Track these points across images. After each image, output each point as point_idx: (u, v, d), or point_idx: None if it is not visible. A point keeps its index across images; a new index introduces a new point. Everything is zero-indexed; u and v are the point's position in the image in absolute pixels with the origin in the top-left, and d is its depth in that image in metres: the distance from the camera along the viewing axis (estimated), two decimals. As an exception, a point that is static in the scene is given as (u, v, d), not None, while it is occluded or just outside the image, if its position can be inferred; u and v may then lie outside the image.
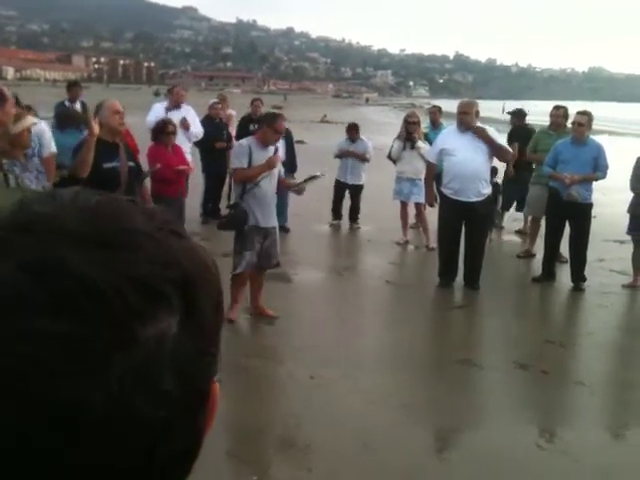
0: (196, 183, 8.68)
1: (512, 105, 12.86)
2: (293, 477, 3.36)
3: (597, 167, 6.85)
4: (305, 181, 5.92)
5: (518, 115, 9.42)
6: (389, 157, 8.81)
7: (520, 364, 4.84)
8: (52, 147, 5.54)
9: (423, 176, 7.63)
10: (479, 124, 6.68)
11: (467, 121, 6.57)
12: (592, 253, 7.04)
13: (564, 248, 7.16)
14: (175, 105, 8.30)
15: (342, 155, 9.36)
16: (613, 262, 7.66)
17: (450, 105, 11.06)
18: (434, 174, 7.08)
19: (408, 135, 8.42)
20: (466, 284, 6.69)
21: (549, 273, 7.04)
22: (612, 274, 7.33)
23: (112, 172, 4.77)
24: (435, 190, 7.28)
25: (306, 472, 3.36)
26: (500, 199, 8.82)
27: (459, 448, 3.80)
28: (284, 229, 8.23)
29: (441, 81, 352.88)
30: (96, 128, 4.62)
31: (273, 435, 3.80)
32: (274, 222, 5.54)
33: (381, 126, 26.10)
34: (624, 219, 7.12)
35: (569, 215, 6.87)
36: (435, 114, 9.86)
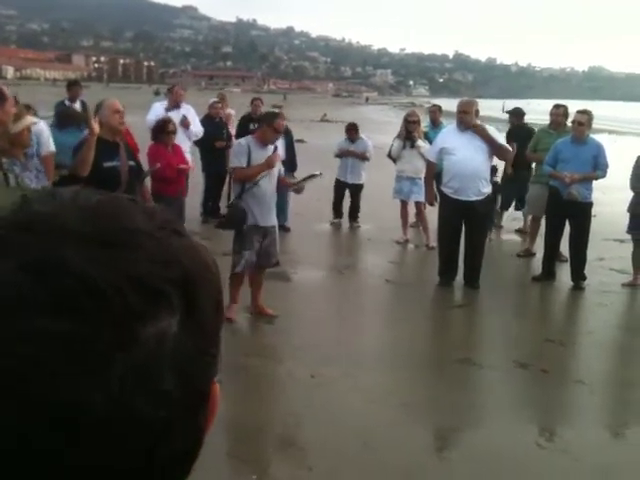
0: (196, 182, 8.68)
1: (513, 104, 12.83)
2: (293, 476, 3.36)
3: (597, 166, 6.86)
4: (304, 180, 5.94)
5: (516, 114, 9.42)
6: (389, 156, 8.81)
7: (520, 363, 4.84)
8: (50, 146, 5.54)
9: (423, 175, 7.63)
10: (479, 122, 6.68)
11: (467, 120, 6.57)
12: (592, 252, 7.05)
13: (564, 247, 7.16)
14: (175, 105, 8.30)
15: (342, 155, 9.37)
16: (613, 261, 7.66)
17: (450, 104, 11.07)
18: (434, 173, 7.08)
19: (408, 134, 8.42)
20: (466, 283, 6.69)
21: (549, 272, 7.04)
22: (612, 273, 7.33)
23: (112, 171, 4.77)
24: (435, 189, 7.28)
25: (306, 471, 3.36)
26: (499, 198, 8.82)
27: (459, 447, 3.80)
28: (284, 228, 8.23)
29: (441, 80, 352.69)
30: (96, 127, 4.62)
31: (273, 434, 3.80)
32: (273, 221, 5.54)
33: (381, 125, 26.09)
34: (624, 218, 7.12)
35: (569, 214, 6.87)
36: (435, 113, 9.86)
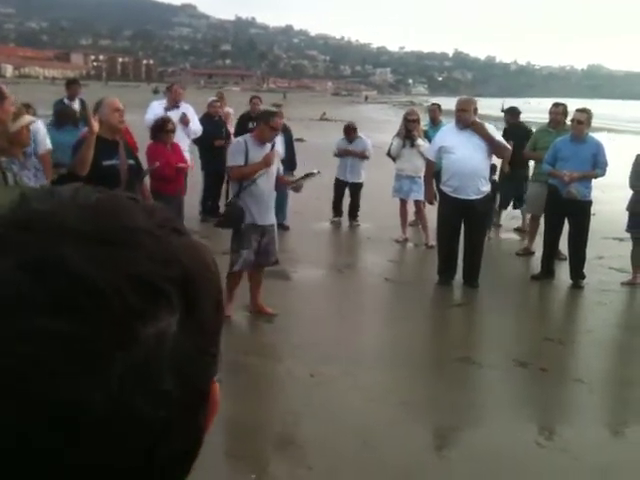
0: (195, 181, 8.67)
1: (512, 103, 12.85)
2: (292, 475, 3.36)
3: (596, 164, 6.86)
4: (302, 178, 5.94)
5: (512, 113, 9.42)
6: (388, 155, 8.81)
7: (519, 362, 4.85)
8: (47, 144, 5.54)
9: (422, 174, 7.63)
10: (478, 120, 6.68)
11: (465, 118, 6.57)
12: (591, 251, 7.05)
13: (563, 246, 7.16)
14: (174, 105, 8.30)
15: (341, 154, 9.37)
16: (612, 260, 7.66)
17: (449, 103, 11.07)
18: (433, 172, 7.08)
19: (407, 133, 8.42)
20: (465, 282, 6.69)
21: (548, 271, 7.04)
22: (611, 272, 7.33)
23: (112, 170, 4.76)
24: (435, 188, 7.28)
25: (306, 470, 3.36)
26: (498, 197, 8.83)
27: (458, 446, 3.81)
28: (284, 227, 8.24)
29: (440, 79, 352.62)
30: (96, 126, 4.61)
31: (272, 433, 3.80)
32: (272, 220, 5.53)
33: (380, 124, 26.09)
34: (623, 217, 7.12)
35: (568, 213, 6.87)
36: (435, 112, 9.86)
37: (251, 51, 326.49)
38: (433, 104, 10.43)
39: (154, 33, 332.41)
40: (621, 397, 4.67)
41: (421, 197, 8.01)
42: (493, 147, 6.62)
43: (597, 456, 3.67)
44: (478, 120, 6.66)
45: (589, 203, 6.89)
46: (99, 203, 0.44)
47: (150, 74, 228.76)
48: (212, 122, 9.04)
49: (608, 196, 10.00)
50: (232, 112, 10.44)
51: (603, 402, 4.54)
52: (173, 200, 6.31)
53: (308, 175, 5.90)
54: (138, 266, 0.42)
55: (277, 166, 5.56)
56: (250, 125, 8.40)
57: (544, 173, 7.23)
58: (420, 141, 8.32)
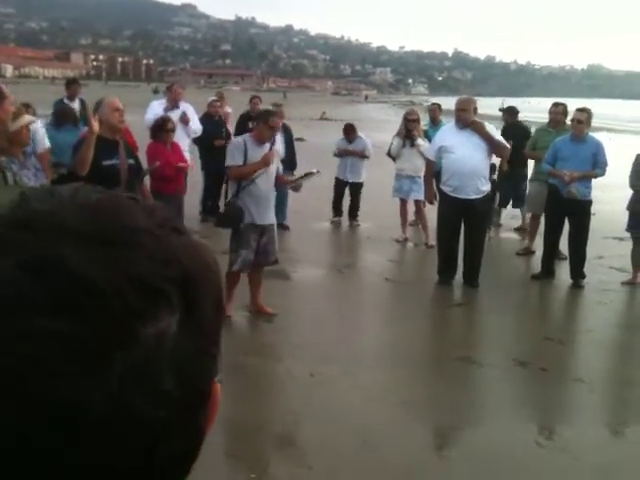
0: (195, 181, 8.67)
1: (512, 102, 12.86)
2: (292, 475, 3.36)
3: (596, 164, 6.86)
4: (301, 178, 5.94)
5: (510, 112, 9.42)
6: (389, 154, 8.81)
7: (519, 361, 4.85)
8: (45, 143, 5.55)
9: (423, 173, 7.63)
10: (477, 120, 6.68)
11: (465, 118, 6.57)
12: (591, 250, 7.05)
13: (563, 245, 7.16)
14: (174, 105, 8.30)
15: (341, 154, 9.37)
16: (612, 259, 7.66)
17: (449, 102, 11.07)
18: (433, 171, 7.08)
19: (407, 133, 8.41)
20: (465, 282, 6.69)
21: (548, 270, 7.04)
22: (611, 271, 7.33)
23: (112, 170, 4.76)
24: (435, 187, 7.28)
25: (306, 470, 3.36)
26: (497, 197, 8.83)
27: (458, 445, 3.81)
28: (284, 227, 8.24)
29: (440, 78, 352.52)
30: (96, 126, 4.61)
31: (272, 433, 3.80)
32: (271, 219, 5.53)
33: (380, 123, 26.09)
34: (623, 216, 7.12)
35: (568, 212, 6.87)
36: (435, 111, 9.86)
37: (251, 51, 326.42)
38: (433, 104, 10.43)
39: (154, 33, 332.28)
40: (621, 397, 4.67)
41: (421, 197, 8.01)
42: (493, 146, 6.62)
43: (597, 456, 3.67)
44: (478, 120, 6.66)
45: (589, 203, 6.89)
46: (99, 203, 0.44)
47: (150, 74, 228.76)
48: (212, 122, 9.04)
49: (608, 196, 10.00)
50: (231, 112, 10.44)
51: (603, 402, 4.54)
52: (173, 200, 6.31)
53: (307, 175, 5.90)
54: (138, 266, 0.41)
55: (276, 166, 5.56)
56: (250, 125, 8.40)
57: (544, 172, 7.23)
58: (420, 141, 8.32)
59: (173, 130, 6.75)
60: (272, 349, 5.07)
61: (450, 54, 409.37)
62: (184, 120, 8.06)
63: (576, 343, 5.58)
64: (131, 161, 4.99)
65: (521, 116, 9.62)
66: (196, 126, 8.37)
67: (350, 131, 9.42)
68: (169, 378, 0.41)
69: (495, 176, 8.36)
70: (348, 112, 38.68)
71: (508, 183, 8.67)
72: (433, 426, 4.01)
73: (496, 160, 7.39)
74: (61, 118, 7.33)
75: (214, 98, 9.73)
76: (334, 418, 3.88)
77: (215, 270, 0.48)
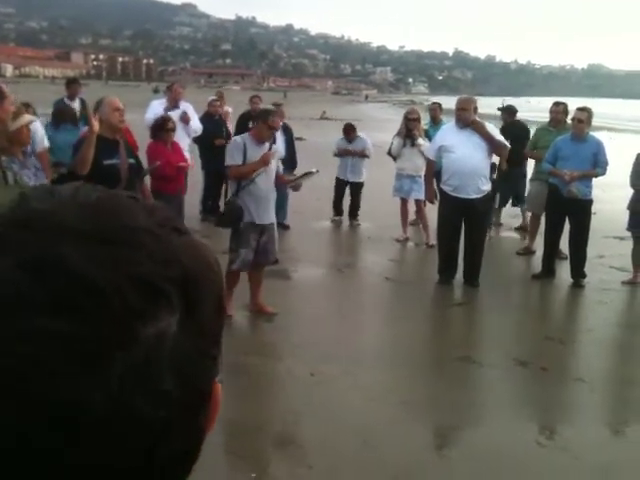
0: (195, 180, 8.67)
1: (512, 102, 12.85)
2: (292, 474, 3.36)
3: (597, 163, 6.85)
4: (301, 177, 5.94)
5: (509, 111, 9.42)
6: (389, 154, 8.81)
7: (520, 361, 4.84)
8: (44, 143, 5.56)
9: (423, 173, 7.62)
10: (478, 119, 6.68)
11: (465, 117, 6.57)
12: (592, 250, 7.05)
13: (564, 245, 7.16)
14: (174, 105, 8.30)
15: (341, 154, 9.37)
16: (613, 259, 7.66)
17: (449, 102, 11.07)
18: (434, 171, 7.08)
19: (408, 132, 8.41)
20: (466, 281, 6.69)
21: (549, 270, 7.04)
22: (612, 271, 7.33)
23: (112, 169, 4.76)
24: (435, 187, 7.28)
25: (306, 469, 3.36)
26: (497, 196, 8.83)
27: (459, 445, 3.80)
28: (284, 226, 8.24)
29: (440, 78, 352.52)
30: (96, 125, 4.61)
31: (272, 432, 3.80)
32: (271, 218, 5.52)
33: (381, 123, 26.08)
34: (624, 215, 7.12)
35: (569, 212, 6.87)
36: (435, 111, 9.85)
37: (251, 50, 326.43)
38: (434, 103, 10.42)
39: (154, 32, 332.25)
40: (622, 396, 4.66)
41: (422, 196, 8.00)
42: (493, 146, 6.61)
43: (598, 455, 3.67)
44: (478, 119, 6.66)
45: (590, 202, 6.89)
46: (99, 202, 0.44)
47: (150, 73, 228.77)
48: (212, 121, 9.04)
49: (609, 195, 10.00)
50: (231, 111, 10.43)
51: (604, 401, 4.54)
52: (173, 199, 6.31)
53: (307, 174, 5.90)
54: (138, 266, 0.41)
55: (276, 165, 5.56)
56: (250, 124, 8.40)
57: (544, 172, 7.23)
58: (421, 140, 8.31)
59: (173, 130, 6.75)
60: (272, 348, 5.07)
61: (450, 53, 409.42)
62: (184, 119, 8.07)
63: (577, 342, 5.57)
64: (131, 161, 4.98)
65: (522, 116, 9.62)
66: (196, 125, 8.37)
67: (350, 131, 9.42)
68: (169, 378, 0.41)
69: (495, 175, 8.37)
70: (348, 111, 38.69)
71: (507, 182, 8.67)
72: (433, 426, 4.00)
73: (496, 159, 7.38)
74: (60, 118, 7.33)
75: (214, 97, 9.73)
76: (334, 418, 3.88)
77: (216, 270, 0.48)
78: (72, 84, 9.57)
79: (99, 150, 4.65)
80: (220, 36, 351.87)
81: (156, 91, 47.70)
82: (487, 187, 6.69)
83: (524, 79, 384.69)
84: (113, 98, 5.05)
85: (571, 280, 6.88)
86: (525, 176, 8.84)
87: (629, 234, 7.14)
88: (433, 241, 7.69)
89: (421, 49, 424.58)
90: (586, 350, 5.40)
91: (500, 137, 6.74)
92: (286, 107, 9.62)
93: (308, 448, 3.55)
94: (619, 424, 4.12)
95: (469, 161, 6.48)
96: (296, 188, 5.97)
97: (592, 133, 7.20)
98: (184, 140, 7.84)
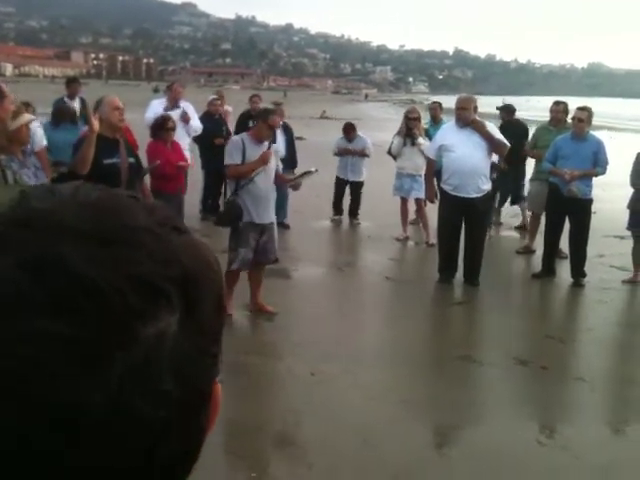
0: (195, 180, 8.67)
1: (513, 101, 12.83)
2: (293, 473, 3.36)
3: (597, 163, 6.85)
4: (300, 176, 5.95)
5: (507, 110, 9.41)
6: (389, 153, 8.81)
7: (520, 360, 4.84)
8: (42, 142, 5.58)
9: (423, 172, 7.62)
10: (478, 118, 6.68)
11: (465, 116, 6.57)
12: (592, 249, 7.05)
13: (564, 244, 7.16)
14: (174, 104, 8.30)
15: (341, 153, 9.37)
16: (613, 258, 7.66)
17: (450, 101, 11.06)
18: (434, 170, 7.08)
19: (408, 131, 8.41)
20: (466, 280, 6.69)
21: (549, 269, 7.04)
22: (612, 270, 7.33)
23: (112, 168, 4.76)
24: (435, 186, 7.28)
25: (306, 468, 3.36)
26: (497, 195, 8.83)
27: (459, 444, 3.80)
28: (284, 225, 8.24)
29: (440, 77, 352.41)
30: (96, 124, 4.61)
31: (272, 432, 3.80)
32: (271, 218, 5.51)
33: (381, 122, 26.09)
34: (624, 215, 7.12)
35: (569, 211, 6.87)
36: (436, 110, 9.84)
37: (251, 49, 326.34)
38: (434, 102, 10.41)
39: (154, 32, 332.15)
40: (622, 395, 4.66)
41: (422, 195, 8.00)
42: (493, 145, 6.61)
43: (598, 454, 3.67)
44: (478, 118, 6.66)
45: (590, 201, 6.89)
46: (99, 201, 0.44)
47: (150, 73, 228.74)
48: (212, 120, 9.04)
49: (609, 194, 9.99)
50: (231, 110, 10.43)
51: (604, 400, 4.54)
52: (173, 198, 6.31)
53: (306, 173, 5.90)
54: (138, 265, 0.41)
55: (276, 164, 5.55)
56: (250, 123, 8.40)
57: (545, 171, 7.23)
58: (421, 139, 8.31)
59: (173, 129, 6.75)
60: (272, 348, 5.06)
61: (451, 52, 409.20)
62: (184, 118, 8.07)
63: (577, 342, 5.57)
64: (131, 160, 4.98)
65: (522, 115, 9.61)
66: (196, 125, 8.37)
67: (350, 130, 9.42)
68: (169, 378, 0.41)
69: (495, 175, 8.37)
70: (348, 111, 38.69)
71: (506, 181, 8.67)
72: (433, 425, 4.00)
73: (496, 158, 7.38)
74: (59, 117, 7.34)
75: (214, 97, 9.73)
76: (334, 417, 3.88)
77: (216, 269, 0.47)
78: (72, 83, 9.56)
79: (99, 149, 4.65)
80: (220, 35, 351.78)
81: (156, 90, 47.66)
82: (487, 186, 6.69)
83: (524, 78, 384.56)
84: (113, 97, 5.05)
85: (571, 279, 6.88)
86: (524, 175, 8.85)
87: (629, 233, 7.14)
88: (433, 240, 7.69)
89: (421, 48, 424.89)
90: (586, 349, 5.40)
91: (500, 136, 6.74)
92: (286, 106, 9.62)
93: (308, 447, 3.55)
94: (619, 423, 4.12)
95: (469, 160, 6.47)
96: (295, 187, 5.97)
97: (592, 132, 7.20)
98: (184, 139, 7.84)
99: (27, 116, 4.08)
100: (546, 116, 8.37)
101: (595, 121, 7.48)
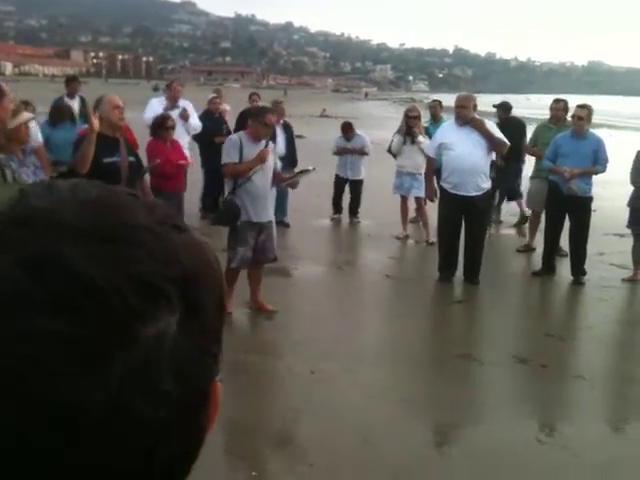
0: (195, 178, 8.67)
1: (513, 99, 12.85)
2: (293, 472, 3.36)
3: (597, 160, 6.85)
4: (297, 175, 5.94)
5: (504, 108, 9.41)
6: (389, 151, 8.81)
7: (520, 358, 4.84)
8: (39, 139, 5.59)
9: (423, 170, 7.62)
10: (477, 117, 6.68)
11: (465, 115, 6.57)
12: (592, 247, 7.05)
13: (564, 242, 7.16)
14: (174, 104, 8.29)
15: (340, 152, 9.37)
16: (613, 256, 7.66)
17: (450, 99, 11.06)
18: (434, 168, 7.07)
19: (408, 129, 8.40)
20: (466, 279, 6.69)
21: (549, 267, 7.04)
22: (612, 268, 7.33)
23: (112, 167, 4.76)
24: (435, 185, 7.28)
25: (306, 467, 3.36)
26: (497, 194, 8.83)
27: (459, 443, 3.81)
28: (284, 224, 8.24)
29: (440, 75, 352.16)
30: (96, 123, 4.60)
31: (272, 430, 3.80)
32: (269, 216, 5.50)
33: (381, 121, 26.08)
34: (624, 213, 7.12)
35: (569, 209, 6.87)
36: (436, 108, 9.84)
37: (251, 48, 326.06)
38: (434, 101, 10.41)
39: (154, 30, 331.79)
40: (622, 393, 4.67)
41: (422, 194, 8.00)
42: (492, 143, 6.61)
43: (598, 453, 3.67)
44: (477, 117, 6.66)
45: (590, 199, 6.89)
46: (99, 199, 0.44)
47: (150, 71, 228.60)
48: (212, 119, 9.04)
49: (609, 192, 9.99)
50: (229, 109, 10.42)
51: (604, 398, 4.54)
52: (173, 197, 6.31)
53: (303, 172, 5.90)
54: (138, 264, 0.41)
55: (274, 162, 5.54)
56: (250, 122, 8.38)
57: (545, 169, 7.23)
58: (421, 138, 8.31)
59: (173, 127, 6.75)
60: (272, 346, 5.07)
61: (451, 51, 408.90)
62: (184, 116, 8.07)
63: (577, 340, 5.58)
64: (131, 158, 4.98)
65: (522, 113, 9.61)
66: (195, 123, 8.37)
67: (348, 129, 9.42)
68: (169, 378, 0.41)
69: (493, 173, 8.36)
70: (348, 109, 38.68)
71: (506, 179, 8.67)
72: (433, 424, 4.01)
73: (493, 156, 7.37)
74: (57, 115, 7.33)
75: (214, 95, 9.73)
76: (334, 415, 3.88)
77: (216, 268, 0.47)
78: (71, 82, 9.56)
79: (99, 148, 4.64)
80: (219, 34, 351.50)
81: (156, 89, 47.64)
82: (487, 184, 6.69)
83: (524, 76, 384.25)
84: (113, 96, 5.04)
85: (571, 277, 6.88)
86: (521, 172, 8.86)
87: (629, 231, 7.14)
88: (433, 238, 7.69)
89: (421, 46, 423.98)
90: (586, 347, 5.40)
91: (500, 134, 6.74)
92: (286, 105, 9.60)
93: (308, 446, 3.55)
94: (619, 421, 4.12)
95: (469, 159, 6.47)
96: (293, 186, 5.97)
97: (592, 130, 7.20)
98: (184, 138, 7.84)
99: (26, 115, 4.08)
100: (546, 114, 8.37)
101: (595, 119, 7.47)
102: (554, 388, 4.50)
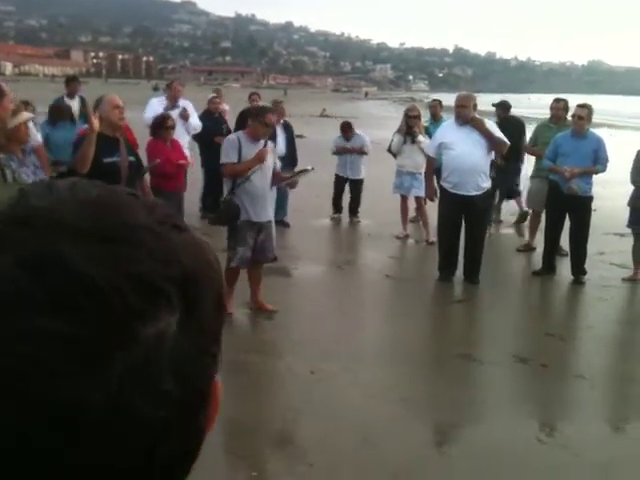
0: (195, 178, 8.67)
1: (513, 98, 12.83)
2: (293, 472, 3.36)
3: (597, 160, 6.85)
4: (296, 175, 5.94)
5: (503, 107, 9.41)
6: (389, 151, 8.81)
7: (520, 358, 4.84)
8: (38, 139, 5.61)
9: (423, 170, 7.62)
10: (477, 116, 6.68)
11: (465, 114, 6.57)
12: (592, 246, 7.05)
13: (564, 241, 7.16)
14: (174, 104, 8.29)
15: (340, 152, 9.37)
16: (613, 255, 7.66)
17: (450, 99, 11.06)
18: (434, 168, 7.07)
19: (408, 129, 8.40)
20: (466, 278, 6.69)
21: (549, 267, 7.04)
22: (612, 267, 7.33)
23: (112, 167, 4.76)
24: (435, 184, 7.28)
25: (306, 467, 3.36)
26: (497, 193, 8.83)
27: (459, 442, 3.81)
28: (284, 224, 8.24)
29: (440, 75, 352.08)
30: (96, 123, 4.60)
31: (272, 430, 3.80)
32: (268, 216, 5.50)
33: (381, 120, 26.07)
34: (624, 212, 7.12)
35: (569, 208, 6.86)
36: (436, 108, 9.84)
37: (251, 48, 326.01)
38: (434, 100, 10.41)
39: (154, 30, 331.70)
40: (622, 393, 4.67)
41: (422, 193, 8.00)
42: (492, 143, 6.61)
43: (598, 452, 3.67)
44: (478, 116, 6.66)
45: (590, 199, 6.89)
46: (99, 199, 0.44)
47: (150, 71, 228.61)
48: (212, 119, 9.04)
49: (609, 192, 9.98)
50: (228, 109, 10.42)
51: (604, 398, 4.54)
52: (173, 197, 6.31)
53: (302, 171, 5.90)
54: (138, 264, 0.41)
55: (273, 162, 5.54)
56: (250, 122, 8.38)
57: (545, 169, 7.23)
58: (421, 137, 8.31)
59: (173, 127, 6.75)
60: (272, 346, 5.07)
61: (451, 50, 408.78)
62: (184, 116, 8.07)
63: (577, 339, 5.58)
64: (132, 158, 4.98)
65: (522, 112, 9.62)
66: (195, 122, 8.37)
67: (347, 129, 9.42)
68: (169, 378, 0.41)
69: (493, 173, 8.36)
70: (348, 109, 38.69)
71: (505, 178, 8.67)
72: (433, 423, 4.01)
73: (493, 155, 7.37)
74: (56, 115, 7.33)
75: (214, 95, 9.73)
76: (334, 415, 3.88)
77: (216, 268, 0.47)
78: (71, 82, 9.56)
79: (99, 148, 4.64)
80: (220, 33, 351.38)
81: (156, 89, 47.64)
82: (487, 184, 6.69)
83: (524, 76, 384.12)
84: (113, 96, 5.04)
85: (571, 277, 6.88)
86: (520, 171, 8.86)
87: (629, 231, 7.14)
88: (433, 238, 7.69)
89: (421, 46, 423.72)
90: (586, 347, 5.40)
91: (500, 134, 6.74)
92: (286, 105, 9.60)
93: (308, 445, 3.55)
94: (619, 421, 4.12)
95: (469, 158, 6.47)
96: (292, 185, 5.97)
97: (592, 130, 7.19)
98: (184, 137, 7.85)
99: (25, 114, 4.08)
100: (546, 114, 8.37)
101: (595, 118, 7.47)
102: (554, 388, 4.50)
